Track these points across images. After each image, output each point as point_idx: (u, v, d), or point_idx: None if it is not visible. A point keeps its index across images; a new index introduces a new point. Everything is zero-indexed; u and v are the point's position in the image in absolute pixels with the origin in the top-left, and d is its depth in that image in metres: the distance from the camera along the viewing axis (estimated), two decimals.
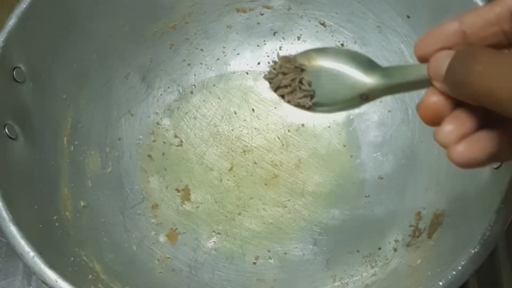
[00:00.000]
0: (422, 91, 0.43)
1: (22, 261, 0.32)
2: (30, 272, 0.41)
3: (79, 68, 0.43)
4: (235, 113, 0.48)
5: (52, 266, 0.31)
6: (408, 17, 0.43)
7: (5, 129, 0.36)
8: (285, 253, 0.43)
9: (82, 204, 0.41)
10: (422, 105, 0.26)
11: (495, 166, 0.34)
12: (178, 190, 0.45)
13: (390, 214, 0.42)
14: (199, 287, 0.41)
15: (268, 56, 0.50)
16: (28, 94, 0.38)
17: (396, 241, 0.40)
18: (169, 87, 0.49)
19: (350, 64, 0.29)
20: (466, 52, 0.23)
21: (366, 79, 0.28)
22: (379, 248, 0.41)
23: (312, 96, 0.29)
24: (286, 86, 0.30)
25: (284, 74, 0.30)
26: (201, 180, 0.46)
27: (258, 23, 0.49)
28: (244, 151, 0.47)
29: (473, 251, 0.31)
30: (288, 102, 0.30)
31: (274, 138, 0.47)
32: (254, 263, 0.42)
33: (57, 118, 0.41)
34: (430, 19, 0.42)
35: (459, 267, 0.31)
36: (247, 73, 0.50)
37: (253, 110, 0.48)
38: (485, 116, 0.24)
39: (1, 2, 0.45)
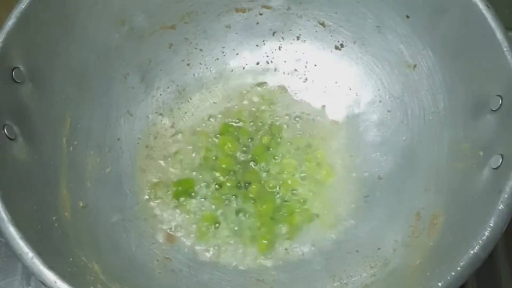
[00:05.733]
0: (422, 91, 0.44)
1: (21, 261, 0.32)
2: (29, 273, 0.41)
3: (78, 68, 0.43)
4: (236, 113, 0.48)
5: (51, 267, 0.31)
6: (408, 17, 0.43)
7: (4, 130, 0.35)
8: (285, 253, 0.43)
9: (81, 204, 0.41)
10: None
11: (495, 166, 0.34)
12: (178, 190, 0.45)
13: (389, 214, 0.42)
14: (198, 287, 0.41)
15: (267, 56, 0.50)
16: (27, 94, 0.38)
17: (396, 241, 0.40)
18: (168, 87, 0.49)
19: None
20: None
21: None
22: (378, 248, 0.41)
23: None
24: None
25: None
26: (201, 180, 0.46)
27: (257, 23, 0.49)
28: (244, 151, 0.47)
29: (472, 252, 0.31)
30: None
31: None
32: (254, 263, 0.42)
33: (56, 118, 0.41)
34: (429, 19, 0.42)
35: (458, 268, 0.31)
36: (246, 73, 0.50)
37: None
38: None
39: (1, 2, 0.45)
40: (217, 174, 0.46)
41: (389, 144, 0.45)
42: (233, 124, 0.48)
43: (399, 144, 0.45)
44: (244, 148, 0.47)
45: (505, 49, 0.36)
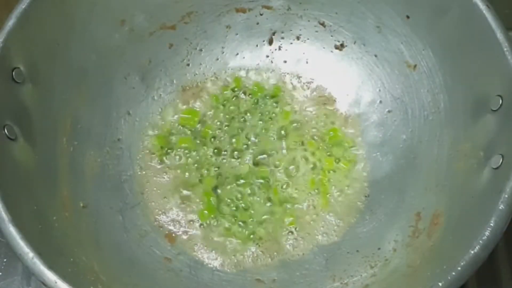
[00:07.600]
0: (422, 91, 0.44)
1: (21, 262, 0.32)
2: (29, 273, 0.41)
3: (78, 69, 0.43)
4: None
5: (51, 267, 0.31)
6: (408, 17, 0.43)
7: (4, 130, 0.35)
8: (285, 253, 0.43)
9: (81, 204, 0.41)
10: None
11: (495, 166, 0.34)
12: (177, 191, 0.45)
13: (389, 214, 0.42)
14: None
15: (267, 57, 0.50)
16: (27, 94, 0.38)
17: (396, 241, 0.40)
18: (168, 87, 0.49)
19: None
20: None
21: None
22: (379, 248, 0.41)
23: None
24: None
25: None
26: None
27: (258, 23, 0.49)
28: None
29: (472, 252, 0.31)
30: None
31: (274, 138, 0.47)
32: (254, 263, 0.42)
33: (57, 118, 0.41)
34: (429, 19, 0.42)
35: (459, 268, 0.31)
36: (246, 73, 0.50)
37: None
38: None
39: (1, 2, 0.45)
40: (220, 173, 0.46)
41: (389, 144, 0.45)
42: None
43: (399, 144, 0.45)
44: (245, 145, 0.47)
45: (505, 49, 0.36)
